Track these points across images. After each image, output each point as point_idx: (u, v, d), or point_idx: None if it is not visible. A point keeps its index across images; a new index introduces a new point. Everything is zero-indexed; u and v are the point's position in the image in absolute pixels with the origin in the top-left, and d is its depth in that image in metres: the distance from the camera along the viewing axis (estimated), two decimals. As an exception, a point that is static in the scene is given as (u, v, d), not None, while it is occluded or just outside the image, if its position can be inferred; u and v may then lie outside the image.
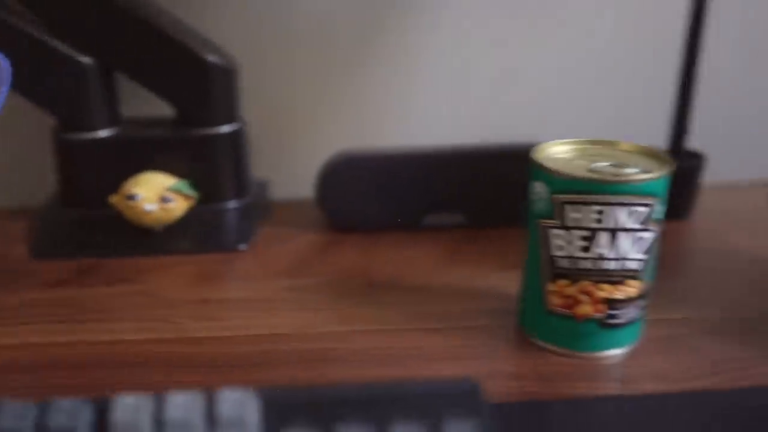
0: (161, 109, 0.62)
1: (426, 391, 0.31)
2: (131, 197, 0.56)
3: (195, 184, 0.58)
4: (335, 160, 0.58)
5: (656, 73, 0.69)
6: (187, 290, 0.51)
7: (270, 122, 0.69)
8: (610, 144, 0.44)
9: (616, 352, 0.43)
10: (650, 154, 0.42)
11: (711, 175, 0.71)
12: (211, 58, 0.57)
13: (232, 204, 0.61)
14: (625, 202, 0.39)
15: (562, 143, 0.43)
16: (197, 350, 0.44)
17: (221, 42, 0.65)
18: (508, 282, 0.52)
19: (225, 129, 0.59)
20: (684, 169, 0.60)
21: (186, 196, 0.57)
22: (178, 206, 0.57)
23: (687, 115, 0.59)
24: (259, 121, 0.68)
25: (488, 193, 0.59)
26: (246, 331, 0.46)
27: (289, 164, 0.69)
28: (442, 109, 0.69)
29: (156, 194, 0.56)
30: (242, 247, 0.58)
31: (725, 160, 0.71)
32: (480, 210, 0.59)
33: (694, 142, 0.69)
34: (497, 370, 0.42)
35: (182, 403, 0.30)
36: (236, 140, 0.60)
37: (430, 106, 0.69)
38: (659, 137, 0.69)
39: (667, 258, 0.56)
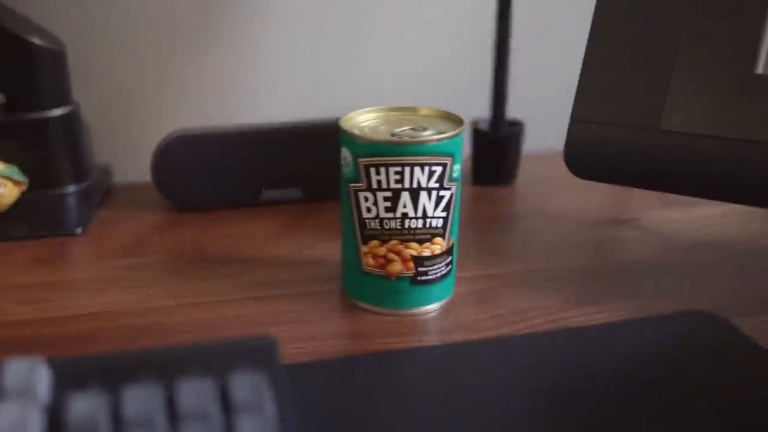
0: None
1: (217, 349, 0.31)
2: (-44, 185, 0.53)
3: (27, 170, 0.56)
4: (169, 139, 0.57)
5: (480, 50, 0.71)
6: (18, 275, 0.49)
7: (113, 106, 0.67)
8: (412, 110, 0.45)
9: (429, 308, 0.44)
10: (447, 117, 0.43)
11: (537, 144, 0.73)
12: (37, 40, 0.55)
13: (69, 188, 0.59)
14: (422, 162, 0.40)
15: (367, 111, 0.44)
16: (20, 333, 0.43)
17: (55, 25, 0.63)
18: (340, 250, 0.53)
19: (56, 112, 0.57)
20: (506, 137, 0.62)
21: (16, 182, 0.55)
22: (9, 192, 0.54)
23: (504, 86, 0.61)
24: (101, 105, 0.66)
25: (324, 167, 0.59)
26: (75, 311, 0.45)
27: (132, 148, 0.67)
28: (278, 88, 0.69)
29: (-18, 181, 0.53)
30: (79, 230, 0.56)
31: (548, 130, 0.73)
32: (316, 184, 0.60)
33: (517, 113, 0.71)
34: (318, 331, 0.43)
35: (-36, 377, 0.29)
36: (69, 124, 0.58)
37: (267, 86, 0.69)
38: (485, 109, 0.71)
39: (487, 220, 0.58)
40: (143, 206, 0.61)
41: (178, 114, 0.68)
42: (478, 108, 0.70)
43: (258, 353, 0.31)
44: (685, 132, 0.40)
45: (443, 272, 0.44)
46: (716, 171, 0.40)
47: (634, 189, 0.61)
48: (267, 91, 0.70)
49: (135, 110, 0.67)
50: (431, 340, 0.42)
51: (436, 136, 0.40)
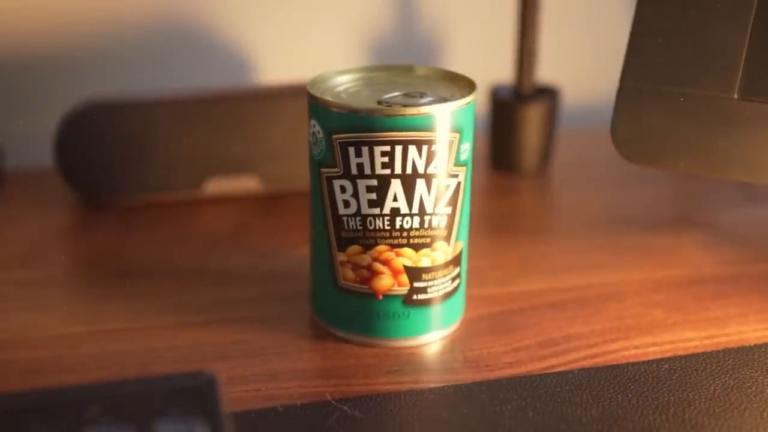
0: None
1: (138, 390, 0.31)
2: None
3: None
4: (79, 110, 0.57)
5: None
6: None
7: (3, 69, 0.67)
8: (406, 69, 0.45)
9: (429, 337, 0.44)
10: (453, 79, 0.43)
11: (573, 119, 0.73)
12: None
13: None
14: (419, 139, 0.39)
15: (345, 71, 0.44)
16: None
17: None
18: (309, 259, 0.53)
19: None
20: (534, 107, 0.62)
21: None
22: None
23: (533, 40, 0.61)
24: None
25: (287, 147, 0.59)
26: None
27: (29, 124, 0.67)
28: (229, 43, 0.69)
29: None
30: (-44, 232, 0.56)
31: (587, 100, 0.74)
32: (277, 170, 0.59)
33: (549, 77, 0.71)
34: (278, 368, 0.43)
35: None
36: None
37: (211, 39, 0.69)
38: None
39: (508, 219, 0.58)
40: (44, 200, 0.60)
41: (86, 81, 0.67)
42: (497, 70, 0.70)
43: (192, 396, 0.31)
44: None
45: (448, 289, 0.43)
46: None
47: (705, 178, 0.61)
48: (211, 47, 0.69)
49: (35, 74, 0.67)
50: (431, 380, 0.42)
51: (437, 105, 0.40)
